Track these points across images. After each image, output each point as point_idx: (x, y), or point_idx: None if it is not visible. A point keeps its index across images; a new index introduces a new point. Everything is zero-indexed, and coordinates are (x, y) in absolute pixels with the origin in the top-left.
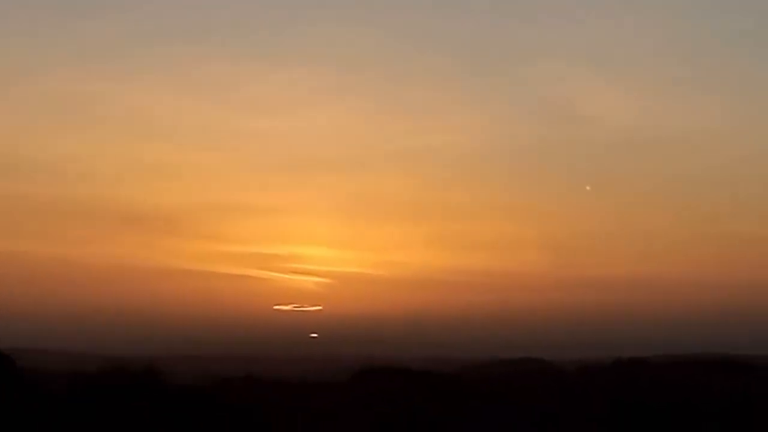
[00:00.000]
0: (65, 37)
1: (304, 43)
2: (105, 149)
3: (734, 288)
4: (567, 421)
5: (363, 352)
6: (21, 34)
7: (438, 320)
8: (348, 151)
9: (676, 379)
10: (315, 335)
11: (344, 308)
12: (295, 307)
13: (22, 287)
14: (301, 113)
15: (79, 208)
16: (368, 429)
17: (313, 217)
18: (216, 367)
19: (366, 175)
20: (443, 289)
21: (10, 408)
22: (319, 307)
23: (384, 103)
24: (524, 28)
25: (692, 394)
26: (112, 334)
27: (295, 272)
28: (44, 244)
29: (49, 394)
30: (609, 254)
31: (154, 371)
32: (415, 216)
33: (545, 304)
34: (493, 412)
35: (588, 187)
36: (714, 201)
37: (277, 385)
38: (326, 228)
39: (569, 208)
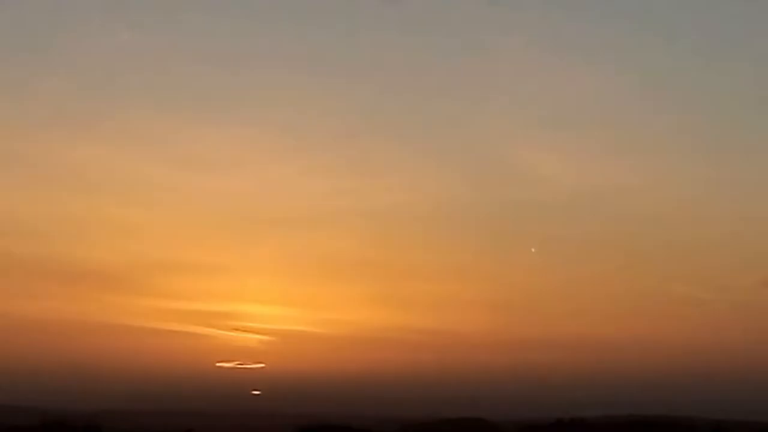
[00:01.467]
0: (4, 93)
1: (252, 98)
2: (47, 205)
3: (676, 349)
4: None
5: (305, 410)
6: None
7: (381, 379)
8: (292, 209)
9: None
10: (257, 392)
11: (287, 366)
12: (237, 364)
13: None
14: (247, 171)
15: (20, 264)
16: None
17: (256, 275)
18: (158, 423)
19: (310, 233)
20: (386, 347)
21: None
22: (262, 365)
23: (329, 162)
24: (472, 87)
25: None
26: (54, 388)
27: (237, 329)
28: None
29: None
30: (552, 315)
31: (96, 426)
32: (359, 275)
33: (488, 363)
34: None
35: (533, 249)
36: (660, 263)
37: None
38: (269, 286)
39: (514, 269)
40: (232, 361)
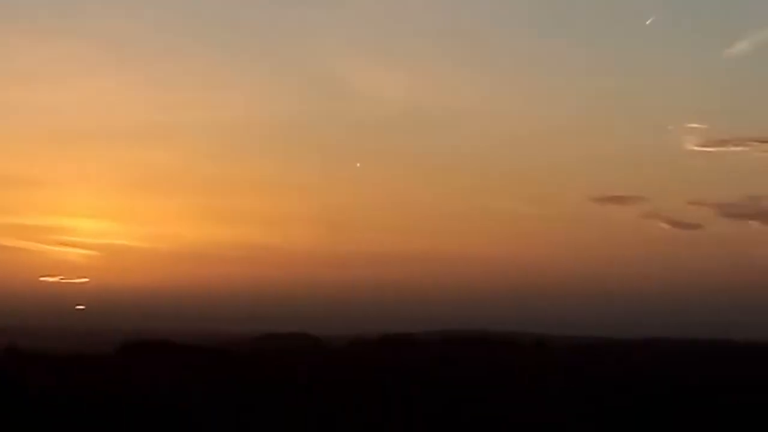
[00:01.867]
0: None
1: (71, 16)
2: None
3: (499, 265)
4: (332, 395)
5: (130, 326)
6: None
7: (206, 294)
8: (116, 124)
9: (440, 354)
10: (81, 307)
11: (112, 281)
12: (61, 278)
13: None
14: (69, 86)
15: None
16: (130, 400)
17: (80, 190)
18: None
19: (134, 148)
20: (212, 262)
21: None
22: (86, 280)
23: (153, 77)
24: (294, 6)
25: (454, 368)
26: None
27: (61, 244)
28: None
29: None
30: (377, 231)
31: None
32: (184, 190)
33: (315, 279)
34: (259, 386)
35: (358, 164)
36: (481, 177)
37: (42, 356)
38: (94, 200)
39: (340, 184)
40: (56, 275)
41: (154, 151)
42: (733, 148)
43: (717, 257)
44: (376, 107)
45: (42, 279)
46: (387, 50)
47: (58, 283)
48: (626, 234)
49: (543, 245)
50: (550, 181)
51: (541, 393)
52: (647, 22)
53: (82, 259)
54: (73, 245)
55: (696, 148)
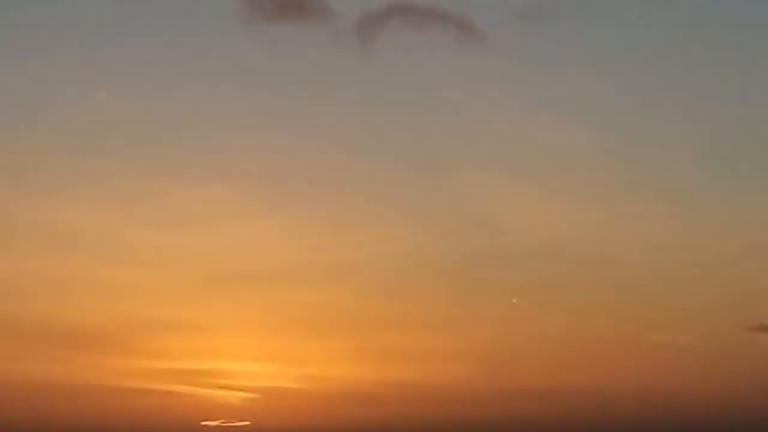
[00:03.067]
0: None
1: (226, 156)
2: (26, 265)
3: (659, 398)
4: None
5: None
6: None
7: None
8: (271, 265)
9: None
10: None
11: (271, 423)
12: (222, 422)
13: None
14: (224, 227)
15: (3, 325)
16: None
17: (238, 332)
18: None
19: (289, 289)
20: (368, 402)
21: None
22: (247, 423)
23: (306, 216)
24: (443, 141)
25: None
26: None
27: (221, 387)
28: None
29: None
30: (532, 366)
31: None
32: (339, 329)
33: (471, 415)
34: None
35: (515, 300)
36: (639, 310)
37: None
38: (251, 342)
39: (492, 320)
40: (217, 419)
41: (306, 293)
42: None
43: None
44: (520, 239)
45: (203, 423)
46: (528, 181)
47: (220, 426)
48: None
49: (703, 377)
50: (704, 310)
51: None
52: None
53: (242, 402)
54: (233, 388)
55: None
